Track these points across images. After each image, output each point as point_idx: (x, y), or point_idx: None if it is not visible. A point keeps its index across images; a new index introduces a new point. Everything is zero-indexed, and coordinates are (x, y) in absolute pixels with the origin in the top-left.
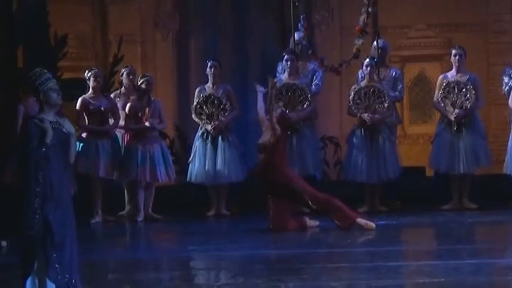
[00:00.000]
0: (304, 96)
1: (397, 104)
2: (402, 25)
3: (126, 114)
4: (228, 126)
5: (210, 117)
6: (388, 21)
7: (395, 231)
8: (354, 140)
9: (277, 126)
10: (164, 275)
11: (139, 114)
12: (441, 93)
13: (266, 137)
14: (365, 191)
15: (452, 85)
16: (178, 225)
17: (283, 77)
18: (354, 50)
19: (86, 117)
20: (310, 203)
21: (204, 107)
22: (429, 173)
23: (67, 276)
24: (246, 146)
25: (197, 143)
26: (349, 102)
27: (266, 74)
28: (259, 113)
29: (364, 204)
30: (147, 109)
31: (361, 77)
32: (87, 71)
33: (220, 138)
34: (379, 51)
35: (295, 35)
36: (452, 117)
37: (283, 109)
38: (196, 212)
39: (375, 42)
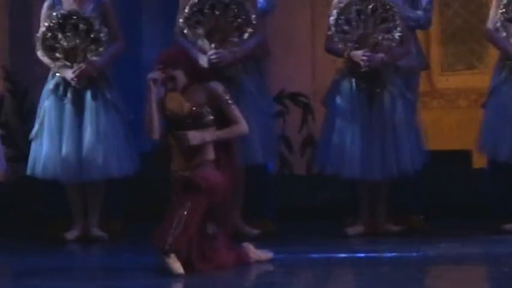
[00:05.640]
0: (244, 16)
1: (420, 34)
2: None
3: None
4: (105, 73)
5: (70, 56)
6: None
7: (415, 270)
8: (338, 100)
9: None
10: None
11: None
12: (501, 11)
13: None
14: (359, 195)
15: None
16: (8, 258)
17: None
18: None
19: None
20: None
21: (60, 35)
22: (479, 162)
23: None
24: (138, 112)
25: (46, 104)
26: (330, 30)
27: None
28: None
29: (356, 219)
30: None
31: None
32: None
33: (89, 94)
34: None
35: None
36: None
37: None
38: (45, 231)
39: None
